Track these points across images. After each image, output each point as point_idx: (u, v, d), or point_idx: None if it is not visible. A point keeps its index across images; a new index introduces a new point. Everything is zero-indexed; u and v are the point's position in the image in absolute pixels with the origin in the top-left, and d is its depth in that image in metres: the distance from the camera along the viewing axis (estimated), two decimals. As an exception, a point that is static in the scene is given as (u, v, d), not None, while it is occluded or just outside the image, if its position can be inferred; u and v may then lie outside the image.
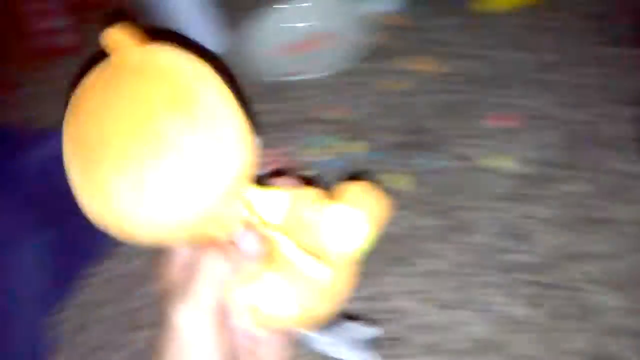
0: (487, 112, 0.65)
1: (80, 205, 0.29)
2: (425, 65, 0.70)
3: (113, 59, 0.29)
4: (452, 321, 0.53)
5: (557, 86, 0.65)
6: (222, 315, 0.31)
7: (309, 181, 0.34)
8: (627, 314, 0.50)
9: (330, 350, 0.48)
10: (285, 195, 0.32)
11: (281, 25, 0.77)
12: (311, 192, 0.32)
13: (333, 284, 0.31)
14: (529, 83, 0.66)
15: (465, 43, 0.71)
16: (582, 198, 0.57)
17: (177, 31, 0.72)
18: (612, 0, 0.69)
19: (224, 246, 0.32)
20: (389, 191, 0.61)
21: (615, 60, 0.65)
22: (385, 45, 0.74)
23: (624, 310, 0.50)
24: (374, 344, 0.49)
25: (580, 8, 0.71)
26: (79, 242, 0.61)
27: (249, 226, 0.32)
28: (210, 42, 0.73)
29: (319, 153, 0.66)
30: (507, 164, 0.61)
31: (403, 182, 0.62)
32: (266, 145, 0.69)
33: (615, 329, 0.49)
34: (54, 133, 0.34)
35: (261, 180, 0.32)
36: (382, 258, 0.57)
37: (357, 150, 0.66)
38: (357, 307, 0.55)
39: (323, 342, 0.48)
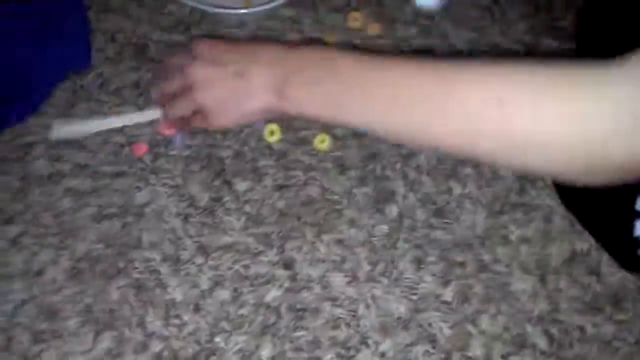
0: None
1: None
2: (357, 23, 0.66)
3: None
4: (360, 293, 0.50)
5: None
6: None
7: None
8: (535, 298, 0.50)
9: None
10: None
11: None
12: None
13: None
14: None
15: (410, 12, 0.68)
16: (509, 182, 0.56)
17: None
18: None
19: None
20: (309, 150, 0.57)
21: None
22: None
23: (530, 295, 0.51)
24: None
25: None
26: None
27: None
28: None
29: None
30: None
31: (322, 142, 0.58)
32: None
33: (523, 312, 0.50)
34: None
35: None
36: (295, 224, 0.54)
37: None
38: (262, 270, 0.51)
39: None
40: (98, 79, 0.62)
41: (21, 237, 0.52)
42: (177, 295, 0.50)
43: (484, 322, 0.50)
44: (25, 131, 0.58)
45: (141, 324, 0.48)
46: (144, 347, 0.47)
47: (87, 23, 0.64)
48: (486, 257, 0.52)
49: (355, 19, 0.66)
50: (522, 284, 0.51)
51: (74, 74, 0.62)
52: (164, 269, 0.51)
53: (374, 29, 0.66)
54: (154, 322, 0.48)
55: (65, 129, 0.58)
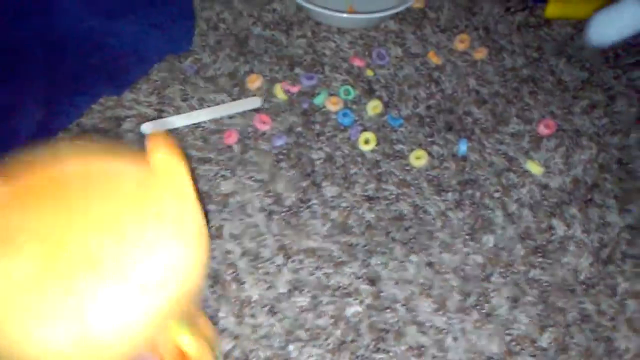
0: (521, 112, 0.59)
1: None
2: (467, 47, 0.64)
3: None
4: (448, 323, 0.46)
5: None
6: None
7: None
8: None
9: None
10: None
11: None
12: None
13: None
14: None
15: (518, 42, 0.65)
16: (619, 230, 0.52)
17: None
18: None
19: None
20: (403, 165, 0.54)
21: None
22: (433, 13, 0.66)
23: (634, 354, 0.46)
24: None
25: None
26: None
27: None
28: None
29: (338, 103, 0.58)
30: (536, 170, 0.55)
31: (418, 159, 0.55)
32: (293, 82, 0.60)
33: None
34: None
35: None
36: (383, 239, 0.50)
37: (375, 111, 0.58)
38: (345, 282, 0.48)
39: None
40: (196, 63, 0.61)
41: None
42: (254, 293, 0.47)
43: (584, 377, 0.45)
44: (119, 104, 0.57)
45: (213, 317, 0.45)
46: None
47: (193, 8, 0.64)
48: (589, 307, 0.48)
49: (462, 41, 0.64)
50: (627, 342, 0.46)
51: (173, 56, 0.61)
52: (242, 264, 0.48)
53: (480, 53, 0.63)
54: (228, 318, 0.45)
55: (155, 127, 0.56)
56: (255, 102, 0.58)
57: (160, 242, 0.26)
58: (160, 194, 0.27)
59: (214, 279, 0.47)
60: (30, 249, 0.24)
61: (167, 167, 0.27)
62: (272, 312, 0.46)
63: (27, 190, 0.26)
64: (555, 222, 0.52)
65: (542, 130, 0.57)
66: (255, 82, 0.59)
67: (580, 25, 0.67)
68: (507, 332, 0.46)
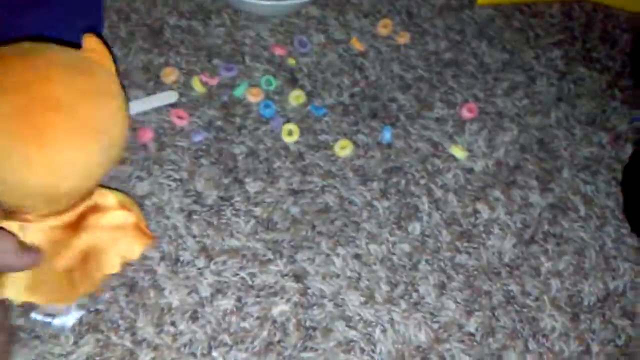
0: (444, 96, 0.59)
1: None
2: (389, 32, 0.63)
3: None
4: (377, 315, 0.46)
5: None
6: None
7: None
8: (566, 338, 0.46)
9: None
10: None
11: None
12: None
13: None
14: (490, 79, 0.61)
15: (441, 26, 0.65)
16: (541, 210, 0.52)
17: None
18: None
19: None
20: (328, 155, 0.53)
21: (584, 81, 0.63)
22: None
23: (560, 333, 0.46)
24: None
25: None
26: None
27: None
28: None
29: (259, 94, 0.56)
30: (460, 154, 0.55)
31: (343, 149, 0.54)
32: (212, 74, 0.57)
33: (552, 352, 0.46)
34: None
35: None
36: (309, 233, 0.49)
37: (298, 101, 0.56)
38: (270, 281, 0.46)
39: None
40: (106, 57, 0.57)
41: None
42: (174, 299, 0.44)
43: (511, 359, 0.45)
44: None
45: (130, 328, 0.43)
46: (131, 355, 0.42)
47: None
48: (514, 289, 0.48)
49: (385, 26, 0.63)
50: (552, 321, 0.47)
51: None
52: (161, 269, 0.46)
53: (403, 38, 0.63)
54: (146, 328, 0.43)
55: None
56: (171, 97, 0.55)
57: (99, 96, 0.34)
58: (94, 66, 0.36)
59: (130, 287, 0.44)
60: (5, 95, 0.31)
61: (96, 51, 0.36)
62: (194, 318, 0.44)
63: None
64: (479, 205, 0.52)
65: (465, 113, 0.57)
66: (170, 75, 0.56)
67: (502, 7, 0.67)
68: (434, 320, 0.46)
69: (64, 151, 0.32)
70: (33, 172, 0.32)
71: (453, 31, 0.64)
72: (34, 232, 0.37)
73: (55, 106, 0.32)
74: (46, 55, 0.34)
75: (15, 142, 0.31)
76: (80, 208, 0.38)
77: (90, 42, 0.36)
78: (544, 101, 0.60)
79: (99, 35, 0.38)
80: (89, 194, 0.38)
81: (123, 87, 0.38)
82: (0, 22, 0.54)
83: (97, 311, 0.43)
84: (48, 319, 0.40)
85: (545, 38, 0.65)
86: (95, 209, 0.39)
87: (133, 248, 0.41)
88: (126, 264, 0.44)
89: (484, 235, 0.51)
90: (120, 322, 0.43)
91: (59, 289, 0.39)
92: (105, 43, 0.38)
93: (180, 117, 0.54)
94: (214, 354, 0.43)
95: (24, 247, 0.37)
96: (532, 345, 0.46)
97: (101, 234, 0.40)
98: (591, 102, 0.61)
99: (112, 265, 0.41)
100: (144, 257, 0.46)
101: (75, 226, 0.38)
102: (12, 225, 0.37)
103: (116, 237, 0.40)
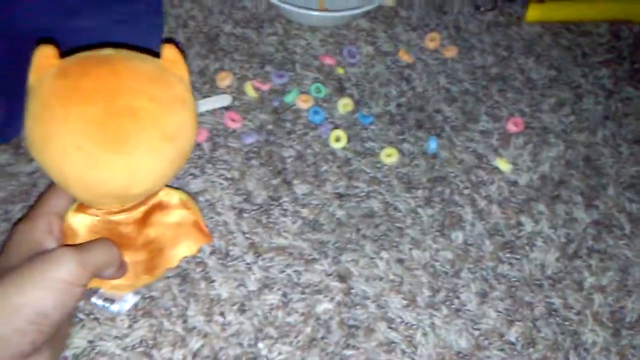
0: (490, 110, 0.60)
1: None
2: (437, 45, 0.64)
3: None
4: (418, 319, 0.46)
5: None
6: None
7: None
8: (607, 353, 0.46)
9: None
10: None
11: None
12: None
13: None
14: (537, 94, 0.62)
15: (488, 41, 0.66)
16: (585, 225, 0.53)
17: None
18: None
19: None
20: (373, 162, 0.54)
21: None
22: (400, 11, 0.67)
23: (601, 348, 0.46)
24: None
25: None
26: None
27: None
28: None
29: (308, 100, 0.58)
30: (504, 167, 0.55)
31: (389, 157, 0.55)
32: (264, 79, 0.60)
33: None
34: None
35: None
36: (353, 236, 0.50)
37: (346, 109, 0.58)
38: (315, 279, 0.48)
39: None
40: (165, 60, 0.60)
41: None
42: (223, 291, 0.46)
43: (551, 370, 0.45)
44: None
45: (182, 316, 0.45)
46: (182, 341, 0.44)
47: (161, 5, 0.63)
48: (556, 302, 0.48)
49: (433, 40, 0.64)
50: (594, 336, 0.47)
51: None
52: (212, 262, 0.48)
53: (450, 52, 0.64)
54: (196, 317, 0.45)
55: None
56: (225, 100, 0.57)
57: (176, 105, 0.36)
58: (170, 75, 0.37)
59: (182, 277, 0.46)
60: (90, 103, 0.34)
61: (174, 61, 0.38)
62: (242, 310, 0.46)
63: (81, 62, 0.36)
64: (523, 218, 0.53)
65: (511, 127, 0.58)
66: (225, 79, 0.59)
67: (550, 25, 0.68)
68: (475, 327, 0.47)
69: (142, 157, 0.34)
70: (113, 177, 0.34)
71: (500, 47, 0.65)
72: (104, 227, 0.39)
73: (136, 115, 0.34)
74: (129, 64, 0.35)
75: (98, 148, 0.33)
76: (147, 205, 0.40)
77: (170, 52, 0.38)
78: (591, 119, 0.60)
79: (171, 42, 0.40)
80: (157, 192, 0.40)
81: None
82: (58, 23, 0.57)
83: (152, 298, 0.45)
84: (107, 304, 0.42)
85: (593, 57, 0.66)
86: (160, 206, 0.41)
87: (191, 245, 0.43)
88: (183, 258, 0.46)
89: (527, 247, 0.51)
90: (173, 309, 0.45)
91: (124, 279, 0.41)
92: (182, 52, 0.39)
93: (233, 120, 0.56)
94: (260, 345, 0.44)
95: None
96: (573, 357, 0.46)
97: (165, 230, 0.42)
98: (638, 121, 0.61)
99: (172, 260, 0.43)
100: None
101: (142, 222, 0.40)
102: (84, 219, 0.39)
103: (177, 234, 0.42)
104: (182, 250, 0.43)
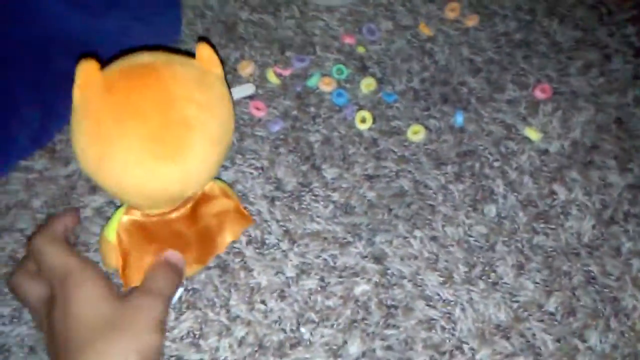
0: (516, 78, 0.59)
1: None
2: (457, 15, 0.63)
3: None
4: (456, 295, 0.47)
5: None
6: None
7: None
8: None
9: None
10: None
11: None
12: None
13: None
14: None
15: (509, 6, 0.64)
16: (620, 190, 0.52)
17: None
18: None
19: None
20: (400, 140, 0.54)
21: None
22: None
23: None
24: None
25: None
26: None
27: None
28: None
29: (331, 83, 0.58)
30: (534, 136, 0.55)
31: (416, 134, 0.55)
32: (285, 65, 0.60)
33: (635, 330, 0.46)
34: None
35: None
36: (386, 217, 0.51)
37: (369, 88, 0.58)
38: (351, 262, 0.48)
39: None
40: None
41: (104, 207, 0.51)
42: (262, 280, 0.47)
43: (592, 338, 0.45)
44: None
45: (225, 306, 0.46)
46: (227, 330, 0.45)
47: (178, -3, 0.63)
48: (594, 269, 0.48)
49: (453, 10, 0.63)
50: (633, 301, 0.47)
51: (163, 46, 0.60)
52: (249, 252, 0.49)
53: (472, 20, 0.63)
54: (239, 306, 0.46)
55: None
56: (249, 89, 0.58)
57: (219, 107, 0.37)
58: (209, 75, 0.38)
59: (222, 268, 0.48)
60: (144, 117, 0.34)
61: (209, 60, 0.38)
62: (282, 296, 0.47)
63: (125, 75, 0.36)
64: (556, 187, 0.52)
65: (539, 94, 0.57)
66: (246, 68, 0.59)
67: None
68: (514, 299, 0.47)
69: (195, 164, 0.36)
70: (171, 185, 0.36)
71: (522, 11, 0.64)
72: (156, 226, 0.41)
73: (189, 125, 0.35)
74: (172, 71, 0.36)
75: (157, 162, 0.34)
76: (194, 201, 0.42)
77: (205, 51, 0.38)
78: (620, 79, 0.59)
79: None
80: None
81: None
82: (84, 25, 0.58)
83: (195, 290, 0.47)
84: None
85: (618, 14, 0.64)
86: (204, 199, 0.42)
87: (236, 230, 0.45)
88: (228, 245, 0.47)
89: (561, 217, 0.51)
90: (216, 300, 0.46)
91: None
92: (214, 48, 0.39)
93: (258, 109, 0.56)
94: (302, 329, 0.45)
95: None
96: (613, 324, 0.46)
97: (211, 220, 0.43)
98: (671, 78, 0.59)
99: (220, 246, 0.45)
100: (233, 241, 0.49)
101: (190, 217, 0.42)
102: (137, 217, 0.40)
103: (222, 222, 0.44)
104: (228, 236, 0.44)
